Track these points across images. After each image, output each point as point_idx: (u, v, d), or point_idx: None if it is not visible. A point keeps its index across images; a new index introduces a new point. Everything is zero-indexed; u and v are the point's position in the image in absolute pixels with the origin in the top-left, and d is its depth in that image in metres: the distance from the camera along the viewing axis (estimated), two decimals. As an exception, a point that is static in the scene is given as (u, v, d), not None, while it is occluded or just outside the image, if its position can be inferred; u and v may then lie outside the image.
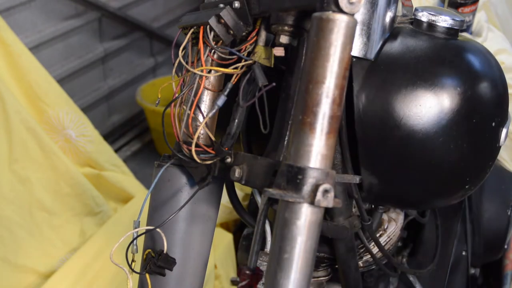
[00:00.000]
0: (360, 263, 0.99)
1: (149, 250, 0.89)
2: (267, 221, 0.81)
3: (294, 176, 0.70)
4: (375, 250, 0.98)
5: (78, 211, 2.04)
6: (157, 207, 0.91)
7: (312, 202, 0.69)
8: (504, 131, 0.91)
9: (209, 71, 0.84)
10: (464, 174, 0.89)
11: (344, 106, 0.81)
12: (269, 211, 0.78)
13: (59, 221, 1.99)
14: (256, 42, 0.84)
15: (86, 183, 2.06)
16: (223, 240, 2.07)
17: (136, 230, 0.86)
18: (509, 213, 1.32)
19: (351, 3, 0.69)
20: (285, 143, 0.83)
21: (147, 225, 0.90)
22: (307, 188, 0.69)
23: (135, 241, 0.86)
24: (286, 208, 0.70)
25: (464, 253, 1.24)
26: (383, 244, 0.99)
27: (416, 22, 0.90)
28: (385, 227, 1.00)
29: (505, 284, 1.46)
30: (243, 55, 0.84)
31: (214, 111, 0.84)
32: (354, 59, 0.85)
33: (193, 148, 0.83)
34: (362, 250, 0.99)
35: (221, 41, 0.83)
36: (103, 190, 2.14)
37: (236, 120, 0.85)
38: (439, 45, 0.87)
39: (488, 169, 0.92)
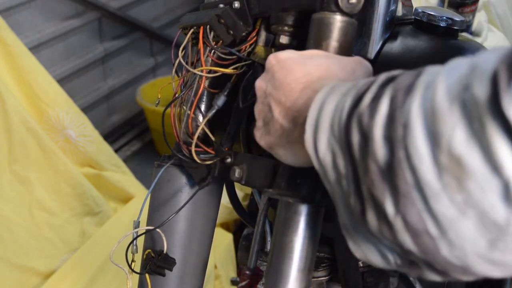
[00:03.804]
0: (360, 263, 0.99)
1: (149, 250, 0.89)
2: (267, 221, 0.81)
3: (294, 176, 0.70)
4: (375, 250, 0.98)
5: (78, 211, 2.03)
6: (157, 207, 0.91)
7: (312, 202, 0.69)
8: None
9: (209, 71, 0.84)
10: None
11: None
12: (269, 211, 0.78)
13: (59, 221, 1.99)
14: (256, 42, 0.84)
15: (86, 183, 2.06)
16: (223, 240, 2.07)
17: (136, 230, 0.86)
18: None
19: (351, 4, 0.69)
20: None
21: (147, 225, 0.90)
22: (307, 187, 0.69)
23: (135, 241, 0.86)
24: (286, 208, 0.70)
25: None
26: (383, 244, 0.98)
27: (416, 22, 0.90)
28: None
29: (505, 284, 1.46)
30: (243, 55, 0.84)
31: (214, 111, 0.84)
32: (354, 59, 0.85)
33: (193, 148, 0.83)
34: (362, 250, 0.99)
35: (221, 41, 0.83)
36: (103, 190, 2.14)
37: (236, 120, 0.85)
38: (439, 45, 0.87)
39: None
